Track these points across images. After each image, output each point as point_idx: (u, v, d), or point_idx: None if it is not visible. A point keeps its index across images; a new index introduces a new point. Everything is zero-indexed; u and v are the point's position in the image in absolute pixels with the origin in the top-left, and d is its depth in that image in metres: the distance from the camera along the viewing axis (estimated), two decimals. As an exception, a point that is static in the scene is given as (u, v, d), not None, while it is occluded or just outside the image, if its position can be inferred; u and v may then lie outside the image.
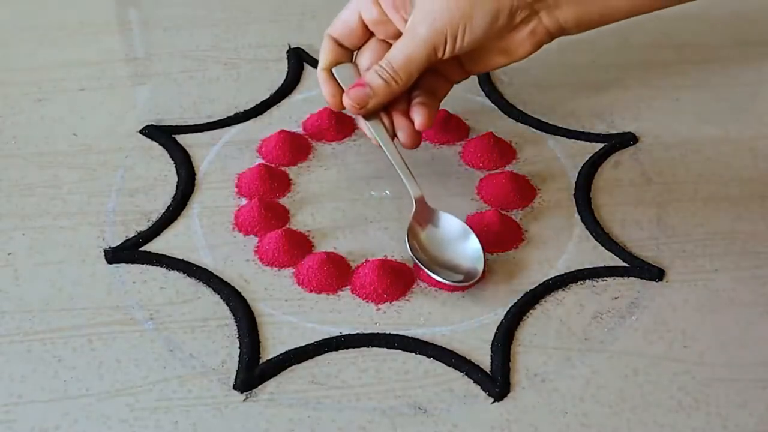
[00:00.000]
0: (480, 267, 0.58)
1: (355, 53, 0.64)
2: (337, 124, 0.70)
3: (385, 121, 0.62)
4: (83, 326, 0.56)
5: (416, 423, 0.52)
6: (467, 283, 0.58)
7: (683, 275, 0.59)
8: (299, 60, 0.78)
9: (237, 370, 0.54)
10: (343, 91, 0.62)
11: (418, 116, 0.61)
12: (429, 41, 0.58)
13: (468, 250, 0.59)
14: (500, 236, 0.61)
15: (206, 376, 0.54)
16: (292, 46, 0.79)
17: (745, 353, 0.55)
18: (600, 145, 0.69)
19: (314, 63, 0.77)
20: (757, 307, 0.57)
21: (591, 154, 0.68)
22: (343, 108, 0.62)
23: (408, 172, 0.61)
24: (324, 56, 0.63)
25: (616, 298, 0.58)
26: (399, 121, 0.62)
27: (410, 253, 0.58)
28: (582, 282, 0.59)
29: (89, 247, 0.61)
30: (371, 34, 0.63)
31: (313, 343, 0.55)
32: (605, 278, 0.59)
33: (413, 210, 0.60)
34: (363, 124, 0.63)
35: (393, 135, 0.62)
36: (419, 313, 0.57)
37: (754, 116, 0.72)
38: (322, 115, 0.70)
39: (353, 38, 0.63)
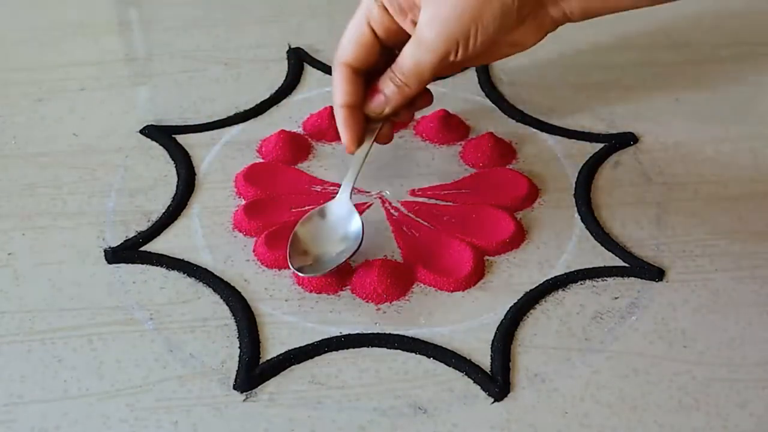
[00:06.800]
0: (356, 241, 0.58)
1: None
2: (337, 124, 0.70)
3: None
4: (83, 326, 0.56)
5: (416, 423, 0.51)
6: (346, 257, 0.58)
7: (683, 275, 0.59)
8: (299, 60, 0.78)
9: (237, 370, 0.54)
10: (361, 134, 0.60)
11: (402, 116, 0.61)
12: (439, 48, 0.56)
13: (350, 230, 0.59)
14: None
15: (206, 376, 0.54)
16: (292, 46, 0.79)
17: (745, 353, 0.55)
18: (600, 145, 0.69)
19: (314, 63, 0.77)
20: (757, 307, 0.57)
21: (591, 154, 0.68)
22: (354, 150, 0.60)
23: (359, 171, 0.61)
24: (340, 89, 0.59)
25: (616, 298, 0.58)
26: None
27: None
28: (582, 282, 0.59)
29: (89, 247, 0.61)
30: (382, 48, 0.59)
31: (313, 343, 0.55)
32: (605, 278, 0.59)
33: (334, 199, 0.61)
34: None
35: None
36: (419, 313, 0.57)
37: (754, 116, 0.72)
38: (322, 115, 0.70)
39: (366, 54, 0.59)
